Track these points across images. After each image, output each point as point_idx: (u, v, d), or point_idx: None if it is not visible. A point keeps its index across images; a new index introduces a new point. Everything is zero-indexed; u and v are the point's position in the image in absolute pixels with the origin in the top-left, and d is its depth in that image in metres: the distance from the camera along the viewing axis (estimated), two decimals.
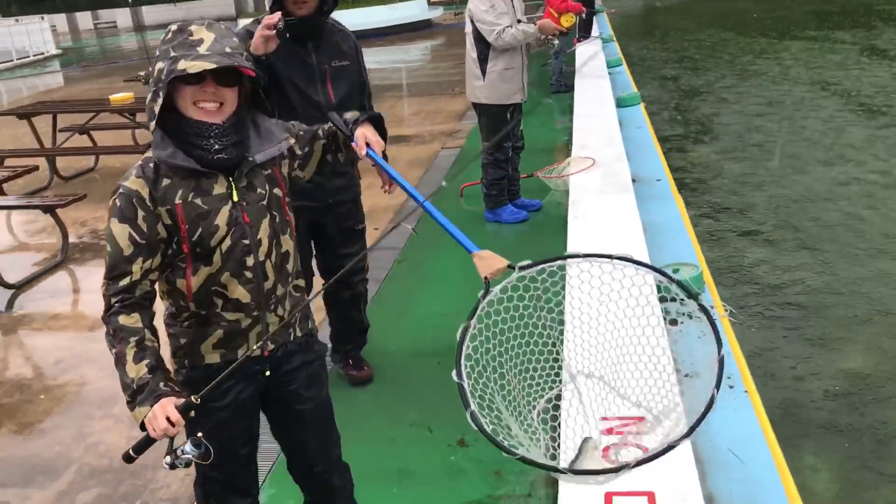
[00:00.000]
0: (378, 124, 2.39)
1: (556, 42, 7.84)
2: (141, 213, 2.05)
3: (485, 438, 1.85)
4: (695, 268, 4.98)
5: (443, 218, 2.15)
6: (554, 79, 11.61)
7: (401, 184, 2.30)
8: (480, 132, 6.66)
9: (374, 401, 4.04)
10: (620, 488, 2.70)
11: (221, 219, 2.12)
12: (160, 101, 2.01)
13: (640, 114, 9.37)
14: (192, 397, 1.95)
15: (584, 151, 7.06)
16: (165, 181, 2.08)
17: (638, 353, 2.23)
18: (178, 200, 2.08)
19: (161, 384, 1.99)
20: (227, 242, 2.13)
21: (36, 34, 26.82)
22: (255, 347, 2.22)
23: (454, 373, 1.81)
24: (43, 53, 26.78)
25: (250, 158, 2.13)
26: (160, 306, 2.23)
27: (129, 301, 2.05)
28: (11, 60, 24.80)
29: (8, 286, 5.76)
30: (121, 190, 2.05)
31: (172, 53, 2.00)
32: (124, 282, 2.04)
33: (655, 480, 2.72)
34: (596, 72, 11.24)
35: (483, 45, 5.97)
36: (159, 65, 2.01)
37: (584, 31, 12.10)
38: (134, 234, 2.04)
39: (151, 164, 2.08)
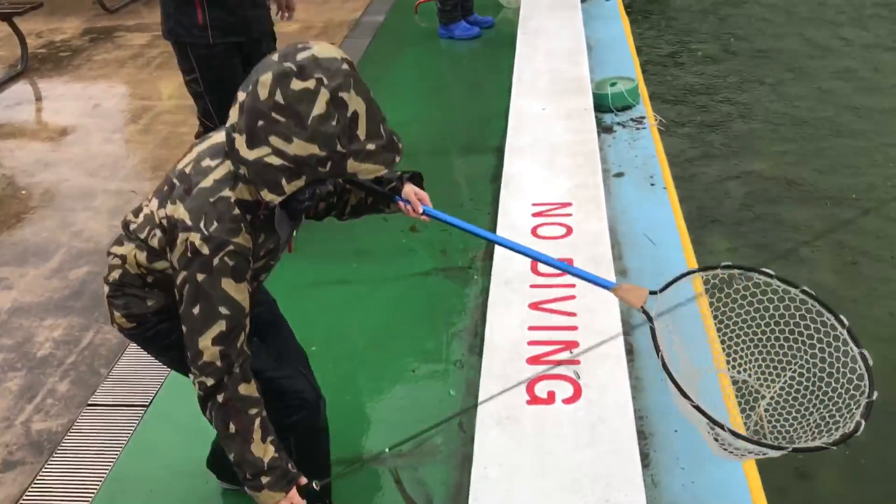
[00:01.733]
0: (418, 181, 2.19)
1: None
2: (249, 267, 1.82)
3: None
4: (631, 81, 5.36)
5: (553, 260, 2.19)
6: None
7: (471, 231, 2.18)
8: None
9: None
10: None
11: (278, 258, 2.01)
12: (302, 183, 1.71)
13: None
14: (313, 484, 1.93)
15: None
16: (261, 238, 1.85)
17: None
18: (263, 252, 1.89)
19: (290, 465, 1.90)
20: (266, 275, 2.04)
21: None
22: None
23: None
24: None
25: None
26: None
27: (248, 364, 1.85)
28: None
29: None
30: (231, 248, 1.73)
31: (339, 149, 1.68)
32: (242, 340, 1.81)
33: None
34: None
35: None
36: (321, 153, 1.67)
37: None
38: (249, 289, 1.83)
39: (249, 217, 1.77)
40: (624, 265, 3.76)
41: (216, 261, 1.72)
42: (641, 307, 1.94)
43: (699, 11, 9.25)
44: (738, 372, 2.17)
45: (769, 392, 2.10)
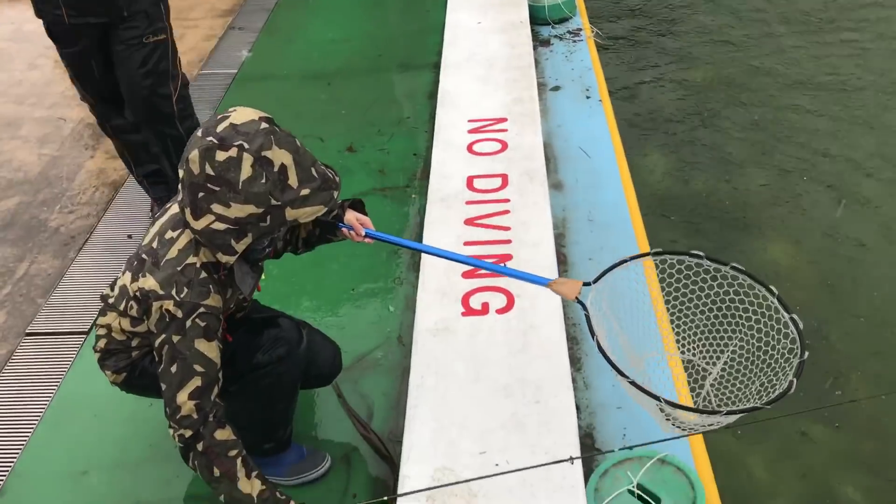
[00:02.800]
0: (360, 208, 2.28)
1: None
2: (219, 324, 1.97)
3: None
4: None
5: (502, 267, 2.31)
6: None
7: (420, 249, 2.30)
8: None
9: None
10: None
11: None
12: (249, 242, 1.88)
13: None
14: None
15: None
16: (228, 291, 2.00)
17: None
18: (231, 303, 2.06)
19: (278, 493, 2.01)
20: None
21: None
22: None
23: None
24: None
25: None
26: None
27: (221, 412, 1.97)
28: None
29: None
30: (202, 310, 1.90)
31: (276, 202, 1.83)
32: (215, 393, 1.95)
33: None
34: None
35: None
36: (253, 209, 1.81)
37: None
38: (220, 347, 1.97)
39: (215, 275, 1.94)
40: (559, 178, 3.82)
41: (189, 322, 1.88)
42: (576, 298, 2.06)
43: None
44: (684, 353, 2.31)
45: (715, 368, 2.23)
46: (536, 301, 2.68)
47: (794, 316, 1.99)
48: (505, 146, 3.54)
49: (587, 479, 2.21)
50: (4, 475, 2.51)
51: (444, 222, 3.14)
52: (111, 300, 2.08)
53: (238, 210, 1.80)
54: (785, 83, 5.54)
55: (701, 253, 2.11)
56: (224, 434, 1.95)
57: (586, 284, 2.09)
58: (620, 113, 4.65)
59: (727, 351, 2.25)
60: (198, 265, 1.90)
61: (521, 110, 3.80)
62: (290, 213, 1.84)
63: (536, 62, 4.80)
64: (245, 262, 1.99)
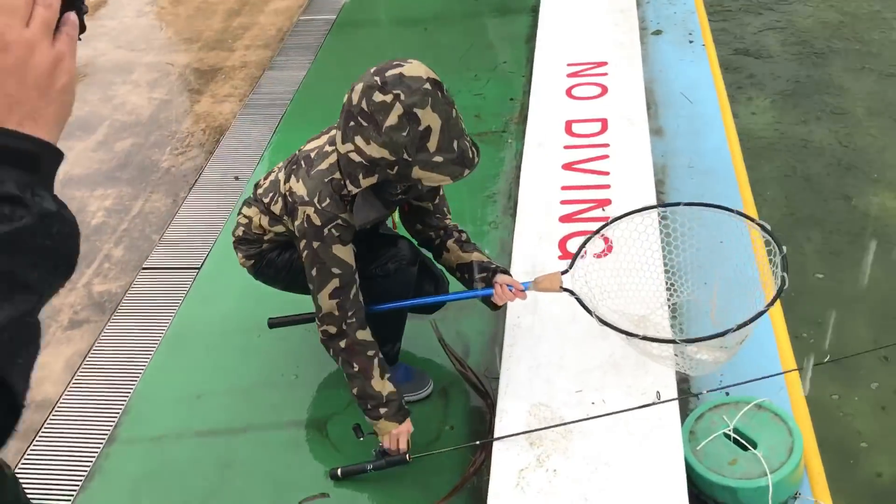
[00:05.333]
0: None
1: None
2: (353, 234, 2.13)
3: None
4: None
5: (452, 295, 2.46)
6: None
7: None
8: None
9: None
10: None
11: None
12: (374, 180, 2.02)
13: None
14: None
15: None
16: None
17: None
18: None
19: (404, 401, 2.23)
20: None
21: None
22: None
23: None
24: None
25: None
26: None
27: (363, 314, 2.18)
28: None
29: None
30: (339, 221, 2.07)
31: (438, 159, 1.96)
32: (354, 292, 2.14)
33: None
34: None
35: None
36: (411, 159, 1.95)
37: None
38: (353, 253, 2.13)
39: (348, 197, 2.09)
40: (659, 124, 3.75)
41: (326, 231, 2.06)
42: (561, 287, 2.22)
43: None
44: (681, 296, 2.48)
45: (713, 298, 2.38)
46: (633, 247, 2.67)
47: (764, 223, 2.16)
48: (605, 90, 3.50)
49: (684, 422, 2.23)
50: (128, 395, 2.69)
51: (541, 167, 3.14)
52: (259, 190, 2.32)
53: (375, 150, 1.93)
54: None
55: (652, 205, 2.35)
56: (364, 335, 2.16)
57: (564, 272, 2.24)
58: (724, 58, 4.50)
59: (717, 280, 2.39)
60: (341, 182, 2.06)
61: (622, 54, 3.74)
62: (416, 173, 1.95)
63: (638, 5, 4.68)
64: (375, 197, 2.10)
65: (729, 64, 4.52)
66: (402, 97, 1.88)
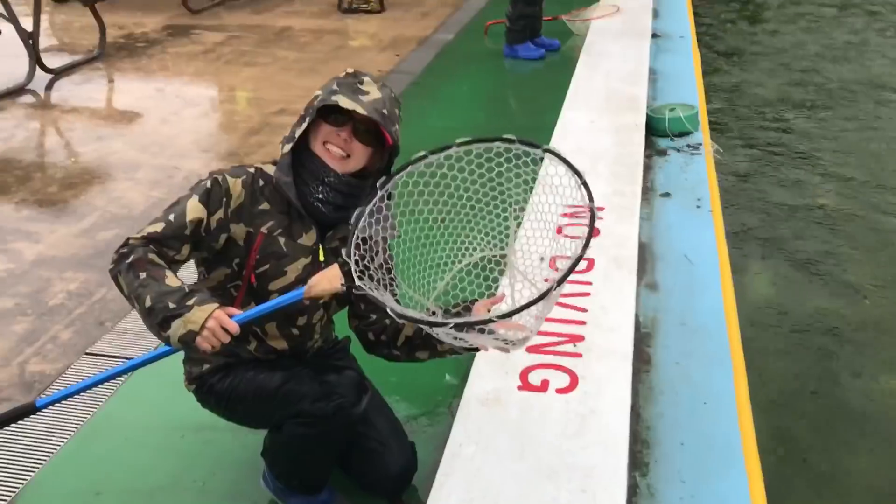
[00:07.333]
0: None
1: None
2: (220, 214, 1.92)
3: None
4: (691, 108, 5.20)
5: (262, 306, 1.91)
6: None
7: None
8: None
9: None
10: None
11: (294, 270, 2.00)
12: (304, 126, 1.94)
13: None
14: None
15: (612, 1, 7.14)
16: (264, 205, 1.98)
17: None
18: (263, 229, 1.97)
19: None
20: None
21: None
22: None
23: (343, 252, 1.72)
24: None
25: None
26: None
27: (160, 256, 1.85)
28: None
29: (48, 70, 6.12)
30: (219, 179, 1.93)
31: (335, 87, 1.93)
32: (167, 252, 1.87)
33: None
34: None
35: None
36: (318, 92, 1.95)
37: None
38: (203, 223, 1.90)
39: (261, 182, 1.98)
40: (655, 279, 3.57)
41: (201, 182, 1.94)
42: (341, 283, 1.81)
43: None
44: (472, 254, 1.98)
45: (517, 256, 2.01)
46: (604, 386, 2.42)
47: (547, 147, 1.82)
48: (597, 232, 3.34)
49: None
50: (24, 482, 2.41)
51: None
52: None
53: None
54: None
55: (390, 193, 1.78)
56: (159, 260, 1.82)
57: (345, 265, 1.70)
58: (731, 225, 4.39)
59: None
60: (265, 172, 2.01)
61: (621, 202, 3.63)
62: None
63: (649, 168, 4.65)
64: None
65: (735, 232, 4.40)
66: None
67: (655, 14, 7.63)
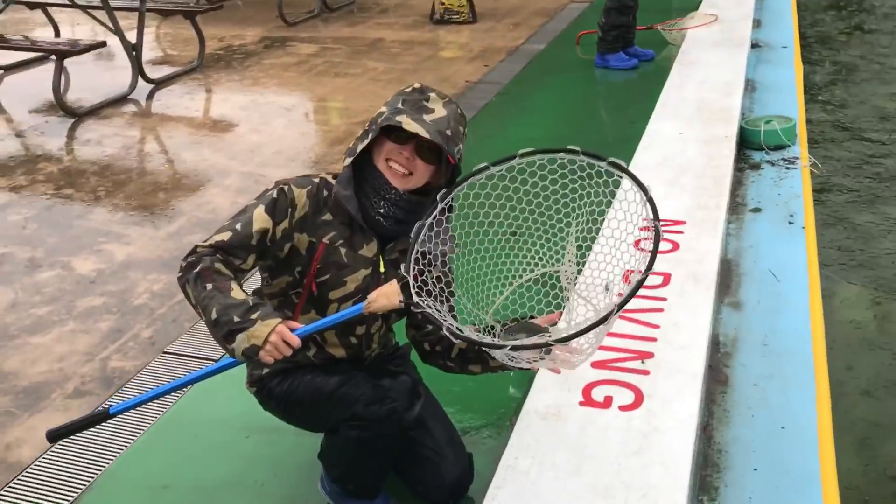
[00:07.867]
0: None
1: None
2: (285, 224, 1.95)
3: None
4: (789, 120, 4.97)
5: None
6: None
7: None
8: None
9: None
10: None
11: (354, 280, 2.02)
12: (366, 141, 1.95)
13: None
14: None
15: (710, 9, 6.95)
16: (326, 215, 2.00)
17: None
18: (325, 239, 1.99)
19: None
20: (348, 305, 2.00)
21: None
22: None
23: (402, 266, 1.75)
24: None
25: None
26: None
27: (227, 265, 1.88)
28: None
29: (149, 80, 6.41)
30: (285, 189, 1.95)
31: (399, 106, 1.93)
32: (233, 262, 1.91)
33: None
34: None
35: None
36: (383, 109, 1.96)
37: None
38: (268, 233, 1.93)
39: (325, 192, 2.00)
40: (738, 298, 3.42)
41: (268, 192, 1.97)
42: (400, 300, 1.78)
43: None
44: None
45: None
46: (670, 405, 2.32)
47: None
48: (676, 247, 3.24)
49: None
50: (99, 472, 2.51)
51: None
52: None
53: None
54: None
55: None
56: (225, 270, 1.85)
57: (404, 282, 1.73)
58: (824, 243, 4.16)
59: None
60: (329, 183, 2.02)
61: (704, 216, 3.49)
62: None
63: (741, 183, 4.47)
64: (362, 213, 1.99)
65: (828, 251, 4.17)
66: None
67: (757, 24, 7.37)
